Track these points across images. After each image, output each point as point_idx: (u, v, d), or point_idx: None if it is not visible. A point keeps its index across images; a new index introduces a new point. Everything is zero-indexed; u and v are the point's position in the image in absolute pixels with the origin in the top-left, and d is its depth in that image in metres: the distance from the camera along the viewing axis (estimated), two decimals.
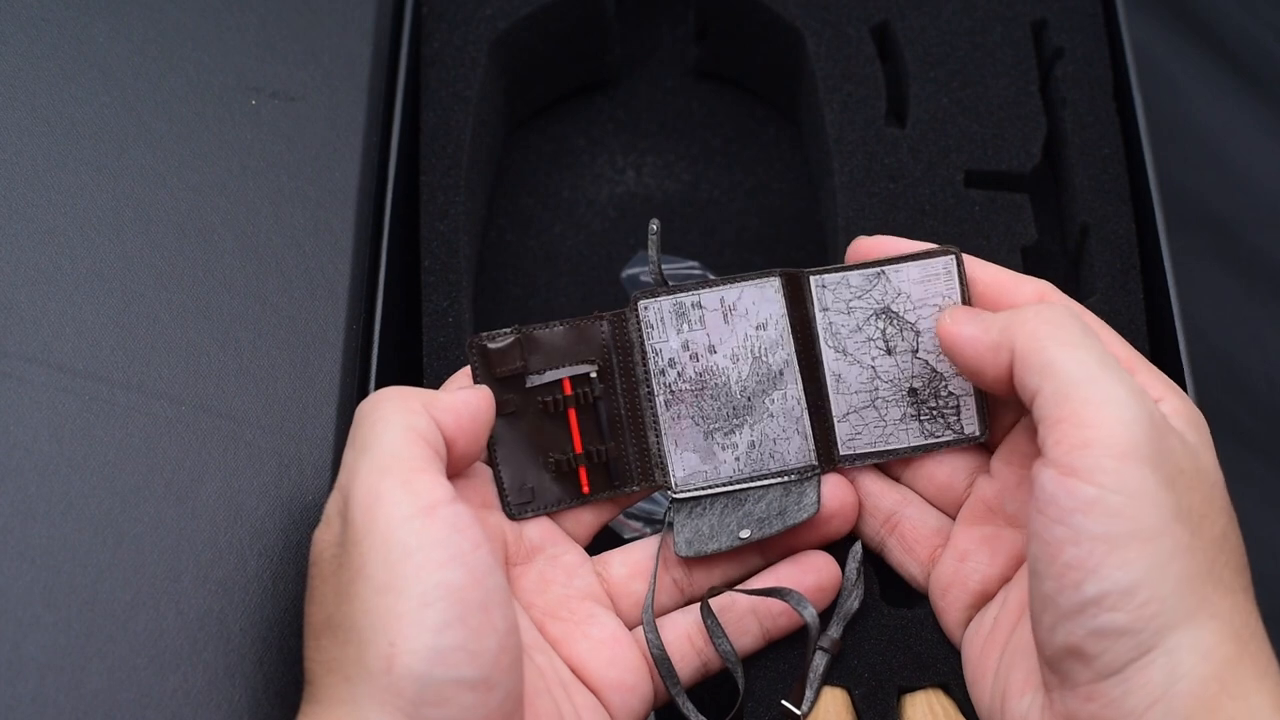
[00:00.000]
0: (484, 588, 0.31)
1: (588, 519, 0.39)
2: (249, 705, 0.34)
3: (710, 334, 0.38)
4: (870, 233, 0.39)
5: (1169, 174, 0.45)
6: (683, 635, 0.38)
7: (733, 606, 0.38)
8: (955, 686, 0.38)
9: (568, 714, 0.35)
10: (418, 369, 0.42)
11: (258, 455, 0.37)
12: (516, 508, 0.37)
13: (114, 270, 0.38)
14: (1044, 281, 0.37)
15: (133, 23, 0.42)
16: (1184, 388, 0.40)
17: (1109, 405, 0.31)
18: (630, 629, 0.38)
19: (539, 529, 0.38)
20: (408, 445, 0.32)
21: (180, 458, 0.36)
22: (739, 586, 0.38)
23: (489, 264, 0.49)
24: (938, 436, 0.38)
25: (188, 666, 0.34)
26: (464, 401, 0.35)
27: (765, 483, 0.38)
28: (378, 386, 0.40)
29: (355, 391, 0.40)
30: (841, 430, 0.38)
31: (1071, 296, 0.38)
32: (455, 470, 0.35)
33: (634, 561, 0.38)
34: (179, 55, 0.42)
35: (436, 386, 0.41)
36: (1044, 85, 0.47)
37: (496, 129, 0.49)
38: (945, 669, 0.38)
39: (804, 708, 0.37)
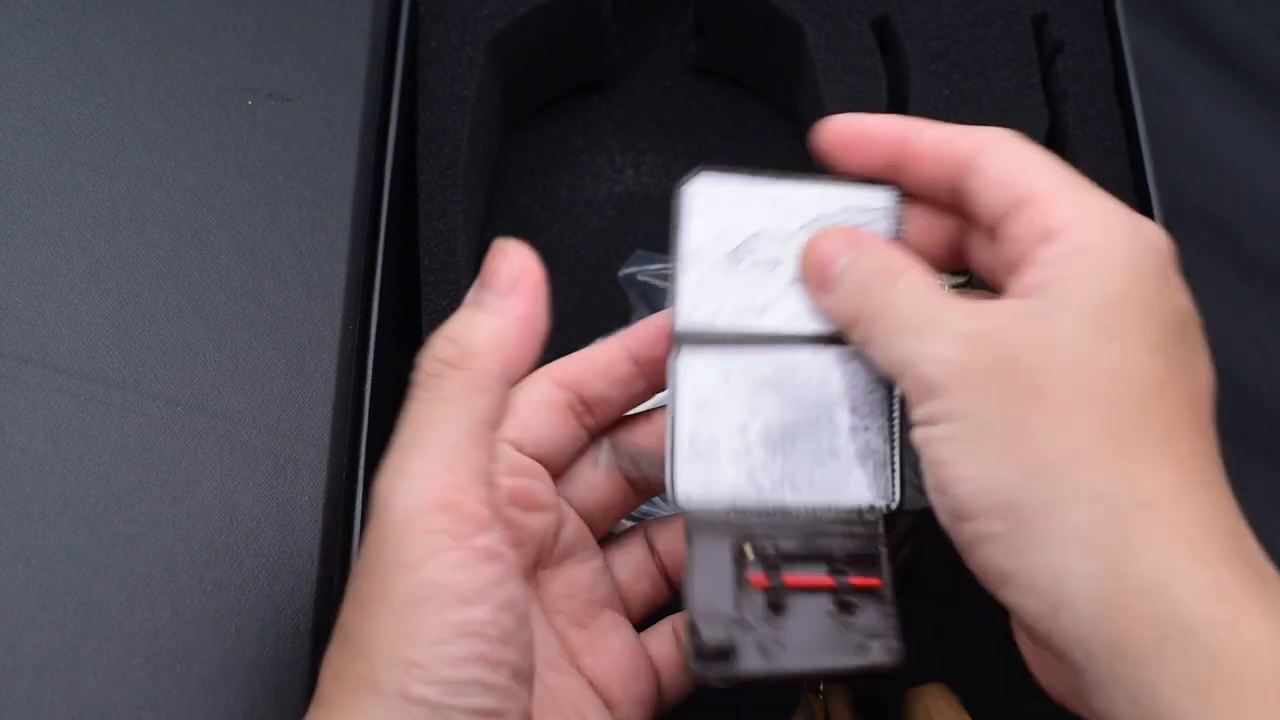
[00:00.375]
0: (506, 621, 0.29)
1: (614, 513, 0.37)
2: (245, 706, 0.34)
3: None
4: None
5: (1168, 174, 0.45)
6: (673, 635, 0.37)
7: (674, 632, 0.37)
8: (958, 683, 0.38)
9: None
10: (413, 369, 0.42)
11: (254, 455, 0.37)
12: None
13: (110, 271, 0.38)
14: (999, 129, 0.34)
15: (129, 23, 0.42)
16: None
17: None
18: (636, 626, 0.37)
19: (572, 531, 0.36)
20: (460, 461, 0.30)
21: (176, 458, 0.36)
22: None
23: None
24: None
25: (183, 667, 0.34)
26: (524, 325, 0.31)
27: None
28: (374, 387, 0.40)
29: (351, 392, 0.39)
30: None
31: None
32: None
33: (634, 562, 0.38)
34: (175, 56, 0.42)
35: None
36: (1045, 79, 0.47)
37: (494, 129, 0.49)
38: (949, 665, 0.38)
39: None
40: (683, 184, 0.34)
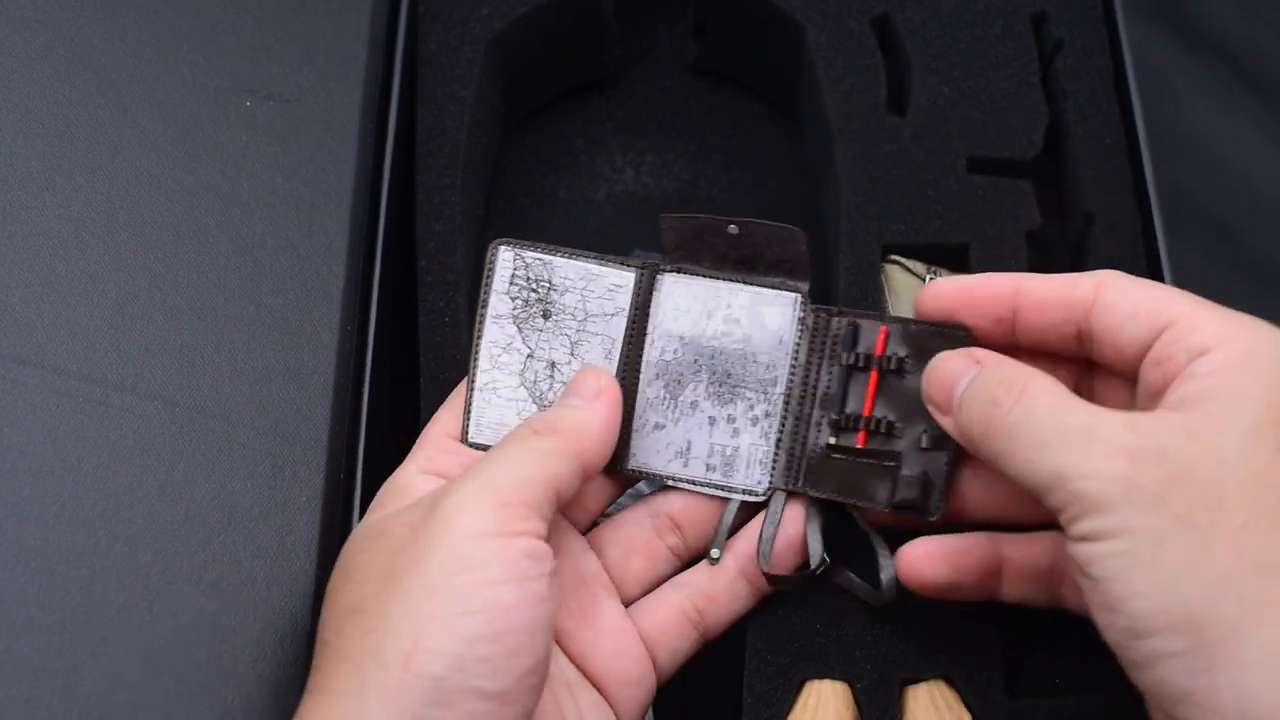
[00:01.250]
0: (533, 613, 0.30)
1: (593, 503, 0.38)
2: (242, 707, 0.34)
3: None
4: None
5: (1167, 175, 0.45)
6: (677, 611, 0.37)
7: (666, 604, 0.37)
8: (958, 678, 0.38)
9: (570, 715, 0.34)
10: (414, 369, 0.42)
11: (252, 457, 0.37)
12: None
13: (108, 272, 0.38)
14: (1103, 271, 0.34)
15: (127, 24, 0.42)
16: None
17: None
18: (629, 606, 0.37)
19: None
20: (528, 484, 0.32)
21: (174, 459, 0.36)
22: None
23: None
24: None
25: (181, 668, 0.34)
26: (607, 426, 0.35)
27: None
28: (372, 388, 0.40)
29: (349, 393, 0.39)
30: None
31: None
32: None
33: (625, 539, 0.38)
34: (173, 57, 0.42)
35: (431, 384, 0.42)
36: (1044, 77, 0.47)
37: (493, 129, 0.49)
38: (948, 660, 0.38)
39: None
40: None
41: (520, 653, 0.30)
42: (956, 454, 0.36)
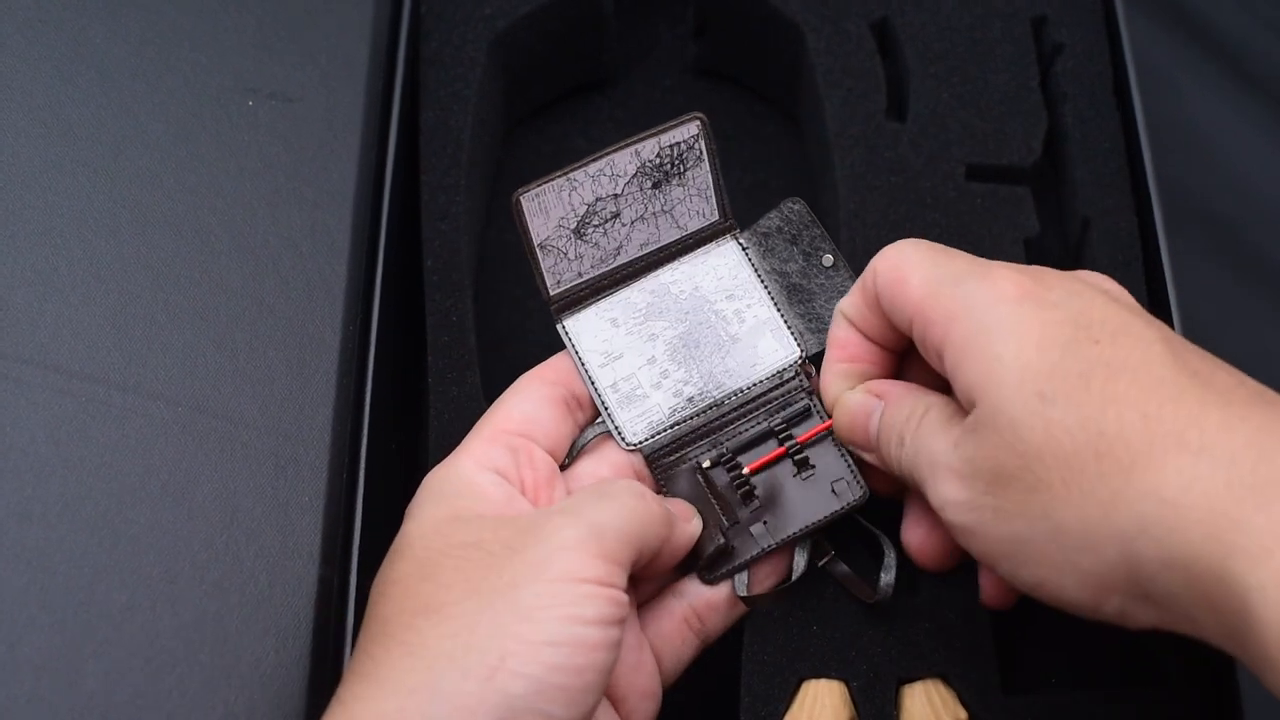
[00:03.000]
0: (608, 658, 0.32)
1: None
2: (245, 706, 0.34)
3: None
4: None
5: (1168, 173, 0.45)
6: (680, 621, 0.37)
7: (669, 615, 0.37)
8: (954, 676, 0.38)
9: None
10: (422, 369, 0.42)
11: (254, 456, 0.37)
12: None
13: (111, 271, 0.38)
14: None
15: (130, 24, 0.42)
16: None
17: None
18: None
19: None
20: (628, 540, 0.33)
21: (177, 459, 0.36)
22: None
23: (488, 263, 0.49)
24: None
25: (184, 667, 0.34)
26: (688, 538, 0.37)
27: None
28: (374, 388, 0.40)
29: (352, 392, 0.39)
30: None
31: None
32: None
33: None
34: (176, 56, 0.42)
35: (439, 383, 0.42)
36: (1044, 81, 0.47)
37: (496, 128, 0.49)
38: (944, 659, 0.38)
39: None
40: (514, 200, 0.37)
41: (590, 690, 0.31)
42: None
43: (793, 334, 0.39)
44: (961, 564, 0.38)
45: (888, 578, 0.38)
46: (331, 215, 0.41)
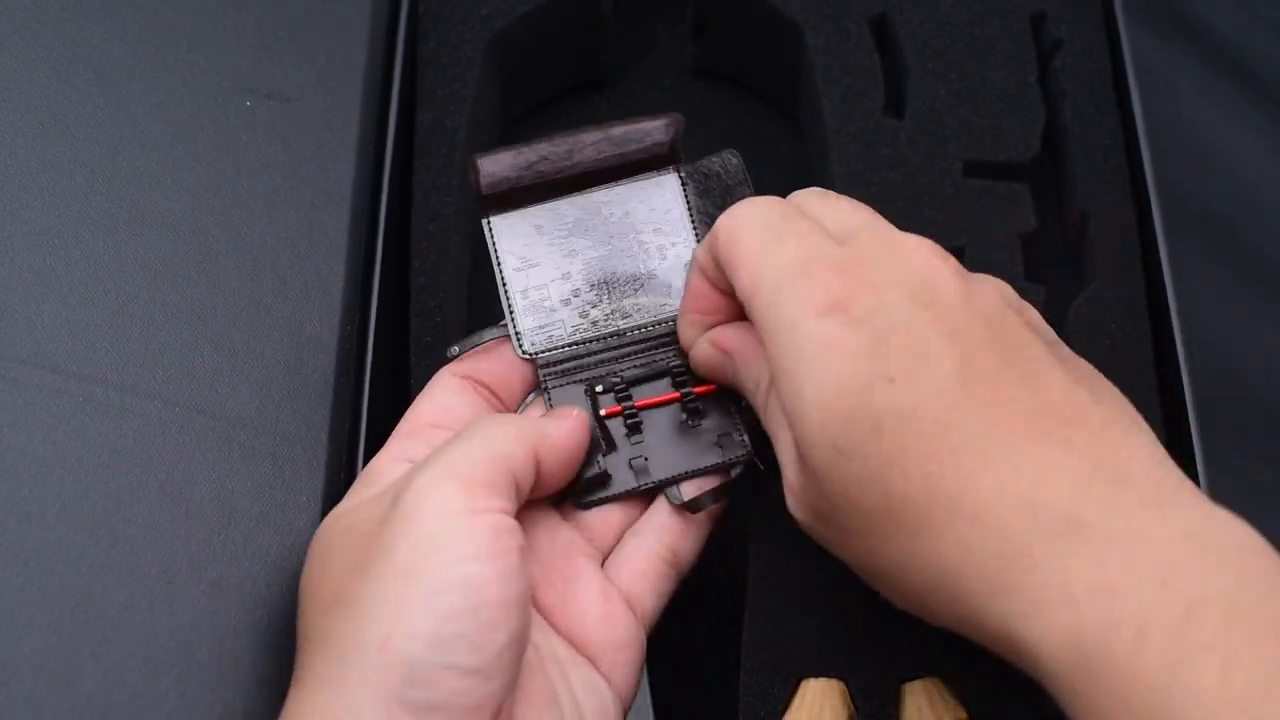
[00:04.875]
0: (506, 586, 0.31)
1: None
2: (243, 706, 0.34)
3: None
4: None
5: (1167, 174, 0.45)
6: (653, 557, 0.37)
7: (637, 554, 0.37)
8: (954, 676, 0.38)
9: (562, 690, 0.34)
10: (405, 368, 0.42)
11: (252, 456, 0.37)
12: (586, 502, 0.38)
13: (108, 272, 0.38)
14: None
15: (127, 23, 0.42)
16: (1181, 384, 0.40)
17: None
18: (604, 563, 0.37)
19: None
20: (486, 458, 0.33)
21: (174, 459, 0.36)
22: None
23: (485, 264, 0.49)
24: None
25: (181, 667, 0.34)
26: (569, 436, 0.36)
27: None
28: (371, 388, 0.40)
29: (349, 392, 0.39)
30: None
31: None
32: (535, 495, 0.36)
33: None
34: (173, 56, 0.42)
35: (421, 386, 0.41)
36: (1043, 77, 0.47)
37: (493, 128, 0.49)
38: (944, 658, 0.38)
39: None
40: (470, 160, 0.38)
41: (496, 626, 0.30)
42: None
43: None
44: None
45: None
46: (329, 215, 0.41)
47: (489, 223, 0.39)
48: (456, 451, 0.33)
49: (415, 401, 0.38)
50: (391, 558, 0.31)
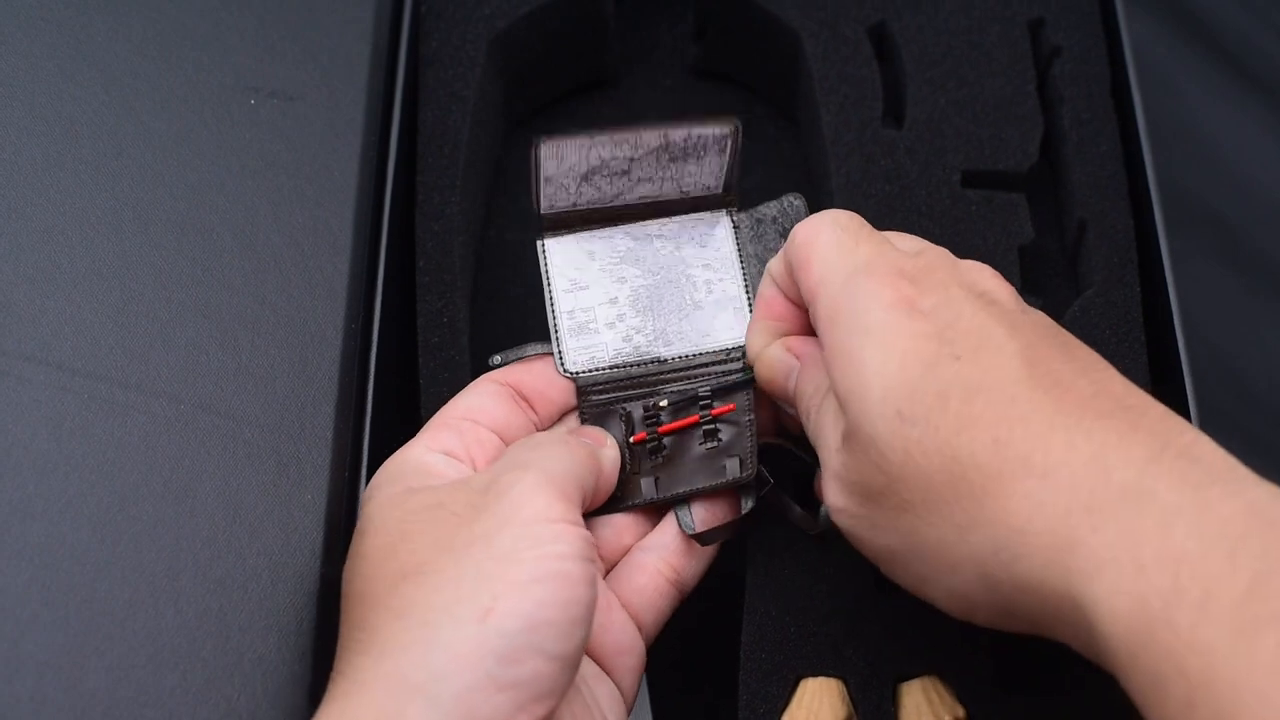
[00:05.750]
0: (592, 591, 0.32)
1: None
2: (248, 704, 0.34)
3: None
4: None
5: (1168, 173, 0.45)
6: (655, 575, 0.38)
7: (641, 570, 0.38)
8: (951, 673, 0.38)
9: (592, 704, 0.36)
10: (413, 369, 0.43)
11: (256, 454, 0.37)
12: None
13: (113, 269, 0.38)
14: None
15: (131, 22, 0.42)
16: (1183, 385, 0.41)
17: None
18: (607, 574, 0.38)
19: None
20: (575, 483, 0.35)
21: (179, 456, 0.36)
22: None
23: (488, 263, 0.49)
24: None
25: (186, 665, 0.34)
26: (612, 465, 0.38)
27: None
28: (376, 386, 0.40)
29: (354, 390, 0.40)
30: None
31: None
32: None
33: (618, 519, 0.39)
34: (177, 54, 0.42)
35: (430, 386, 0.42)
36: (1041, 84, 0.47)
37: (495, 128, 0.49)
38: (941, 656, 0.38)
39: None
40: (533, 143, 0.38)
41: (579, 622, 0.32)
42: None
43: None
44: None
45: (825, 509, 0.38)
46: (333, 213, 0.41)
47: (543, 245, 0.40)
48: (549, 462, 0.34)
49: (454, 399, 0.39)
50: (491, 544, 0.32)
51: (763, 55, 0.50)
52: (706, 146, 0.39)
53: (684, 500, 0.39)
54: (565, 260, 0.40)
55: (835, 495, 0.34)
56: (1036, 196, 0.46)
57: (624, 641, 0.37)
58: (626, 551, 0.39)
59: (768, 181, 0.51)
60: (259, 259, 0.40)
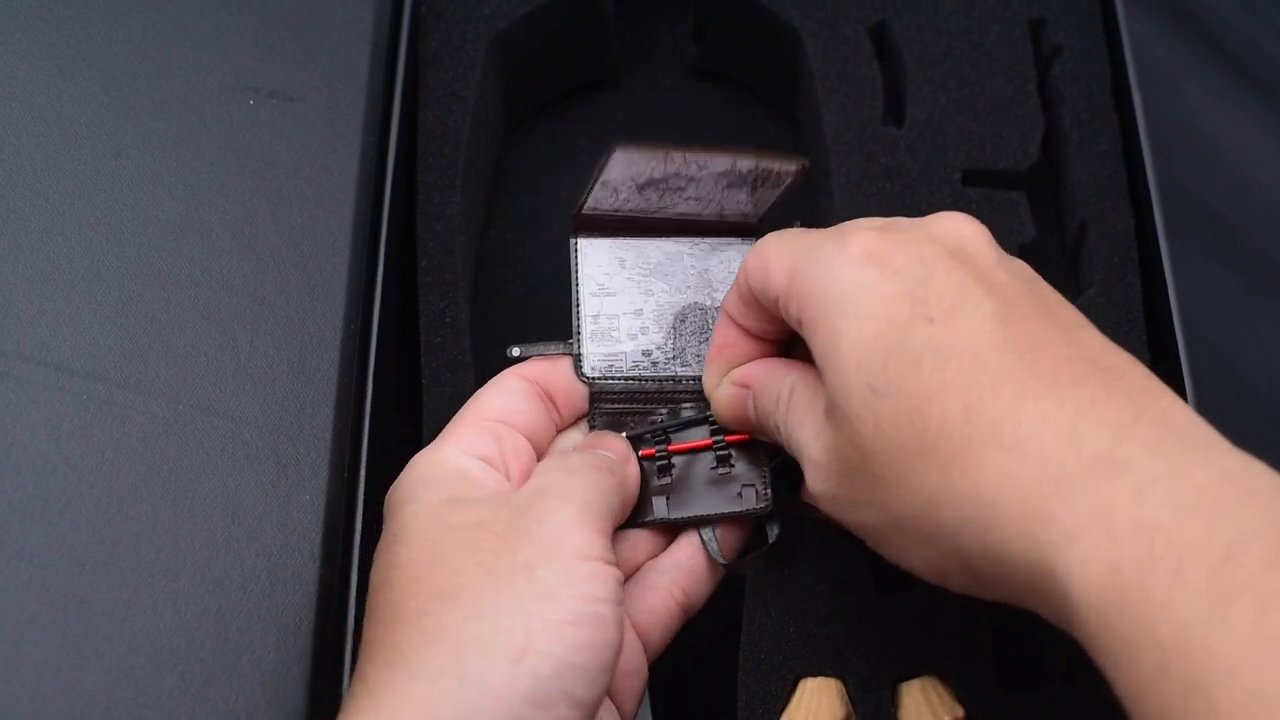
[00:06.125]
0: (619, 635, 0.32)
1: None
2: (246, 705, 0.34)
3: None
4: None
5: (1168, 173, 0.45)
6: (666, 596, 0.37)
7: (652, 590, 0.38)
8: (951, 673, 0.38)
9: None
10: (415, 370, 0.43)
11: (255, 455, 0.37)
12: None
13: (112, 270, 0.38)
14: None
15: (131, 22, 0.42)
16: (1182, 384, 0.41)
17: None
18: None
19: None
20: (607, 515, 0.35)
21: (178, 457, 0.36)
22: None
23: (488, 263, 0.49)
24: None
25: (185, 665, 0.34)
26: (635, 482, 0.38)
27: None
28: (375, 386, 0.40)
29: (352, 391, 0.40)
30: None
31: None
32: None
33: (633, 535, 0.38)
34: (177, 55, 0.42)
35: (433, 386, 0.42)
36: (1042, 83, 0.47)
37: (495, 128, 0.49)
38: (941, 656, 0.38)
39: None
40: (610, 148, 0.37)
41: (606, 668, 0.31)
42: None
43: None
44: None
45: None
46: (332, 214, 0.41)
47: (576, 244, 0.40)
48: (588, 492, 0.34)
49: (480, 394, 0.38)
50: (530, 578, 0.31)
51: (763, 55, 0.50)
52: (767, 180, 0.38)
53: (699, 525, 0.38)
54: (596, 264, 0.40)
55: (816, 481, 0.34)
56: (1037, 196, 0.46)
57: (632, 664, 0.36)
58: (638, 569, 0.38)
59: None
60: (258, 259, 0.40)
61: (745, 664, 0.38)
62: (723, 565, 0.38)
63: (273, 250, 0.40)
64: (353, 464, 0.39)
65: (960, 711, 0.38)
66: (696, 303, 0.40)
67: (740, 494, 0.38)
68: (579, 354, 0.39)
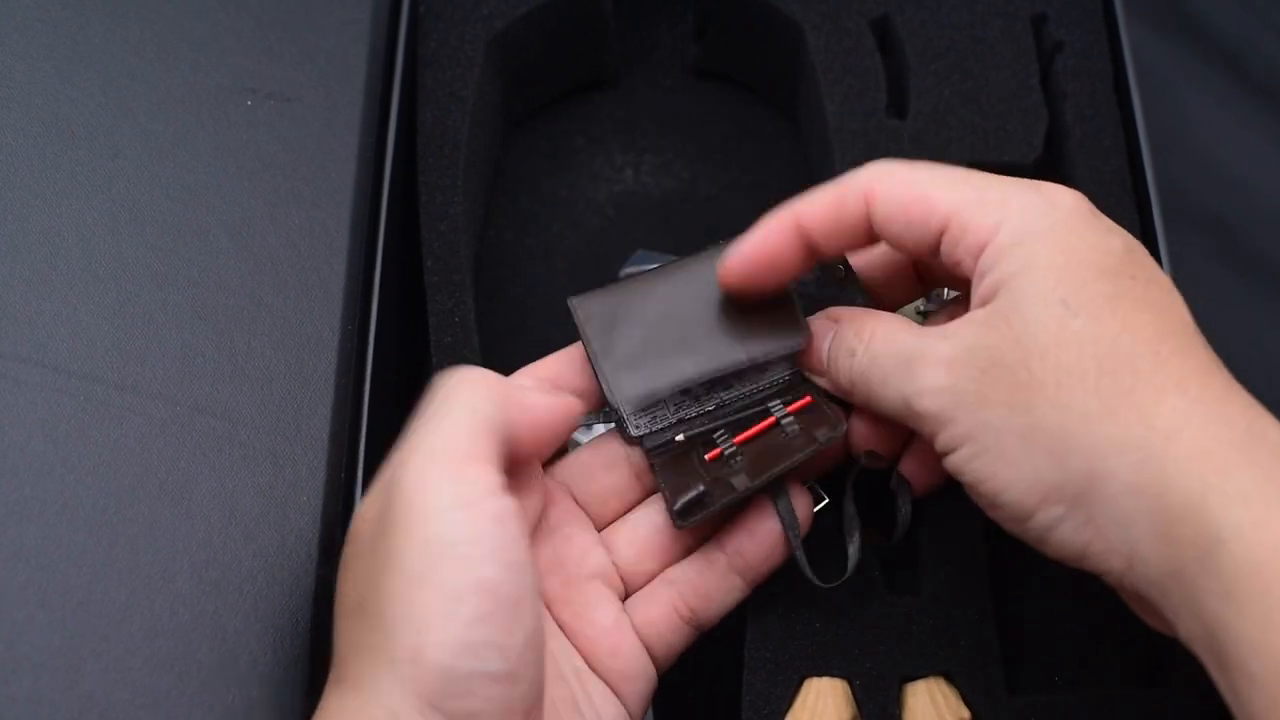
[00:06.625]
0: (517, 583, 0.30)
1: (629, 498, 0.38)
2: (243, 705, 0.34)
3: None
4: None
5: (1168, 174, 0.45)
6: (669, 609, 0.37)
7: (657, 601, 0.37)
8: (957, 675, 0.38)
9: (582, 700, 0.35)
10: (425, 370, 0.42)
11: (252, 455, 0.37)
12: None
13: (109, 271, 0.38)
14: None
15: (128, 23, 0.42)
16: None
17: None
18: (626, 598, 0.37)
19: (560, 510, 0.37)
20: (469, 431, 0.31)
21: (175, 458, 0.36)
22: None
23: (487, 263, 0.49)
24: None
25: (182, 666, 0.34)
26: (548, 410, 0.35)
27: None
28: (373, 387, 0.40)
29: (350, 392, 0.39)
30: None
31: None
32: (515, 467, 0.34)
33: (641, 539, 0.38)
34: (174, 55, 0.42)
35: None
36: (1044, 79, 0.47)
37: (494, 128, 0.49)
38: (947, 657, 0.38)
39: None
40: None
41: (513, 628, 0.30)
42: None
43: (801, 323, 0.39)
44: (965, 566, 0.37)
45: (905, 510, 0.37)
46: (330, 214, 0.41)
47: (572, 301, 0.38)
48: (440, 429, 0.32)
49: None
50: (403, 565, 0.30)
51: (763, 54, 0.50)
52: (776, 361, 0.38)
53: (780, 481, 0.37)
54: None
55: (938, 375, 0.32)
56: None
57: (634, 668, 0.36)
58: (650, 577, 0.37)
59: (767, 179, 0.51)
60: (256, 260, 0.39)
61: (750, 663, 0.38)
62: (790, 533, 0.37)
63: (270, 251, 0.40)
64: (350, 465, 0.39)
65: (966, 713, 0.38)
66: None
67: (815, 434, 0.36)
68: (620, 415, 0.37)
